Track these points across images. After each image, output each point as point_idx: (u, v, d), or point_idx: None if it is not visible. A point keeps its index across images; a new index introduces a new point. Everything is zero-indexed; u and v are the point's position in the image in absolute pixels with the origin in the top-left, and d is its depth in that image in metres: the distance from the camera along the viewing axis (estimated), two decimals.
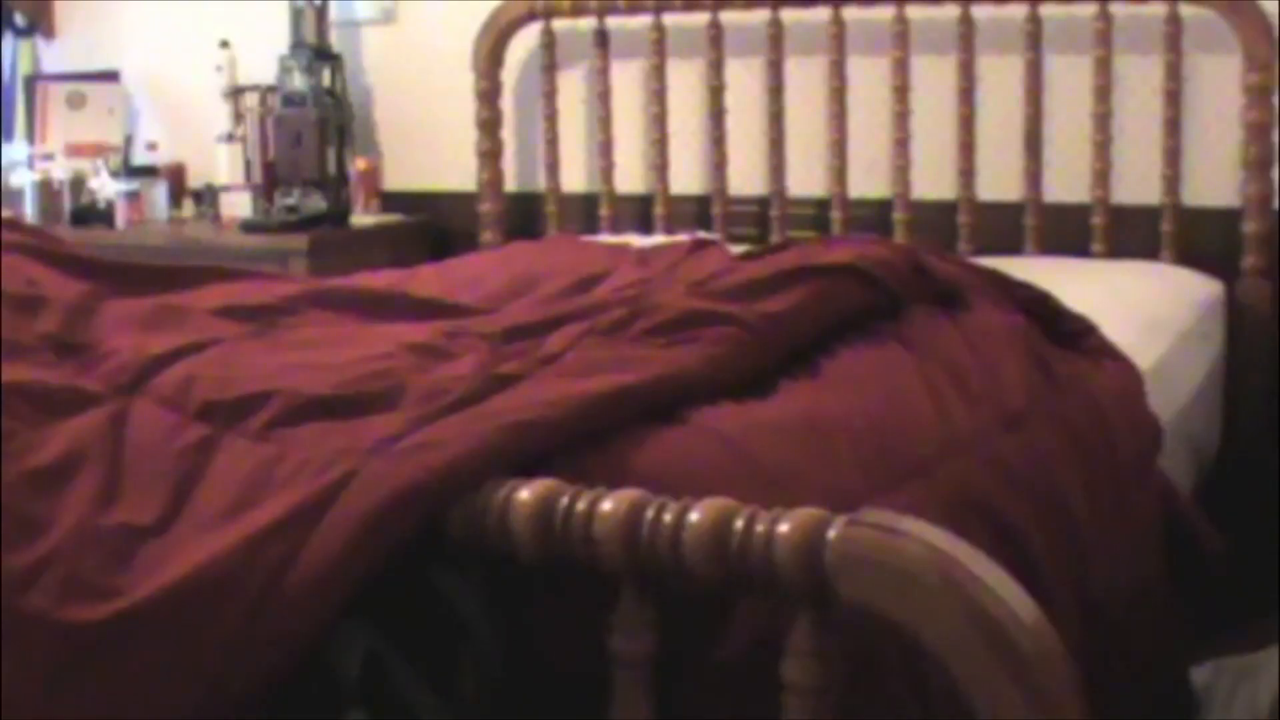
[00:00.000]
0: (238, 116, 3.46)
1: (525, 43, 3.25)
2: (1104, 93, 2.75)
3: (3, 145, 3.68)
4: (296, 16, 3.28)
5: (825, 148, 2.96)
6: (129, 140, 3.66)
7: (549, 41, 3.16)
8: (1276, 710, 1.86)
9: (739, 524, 1.07)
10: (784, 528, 1.05)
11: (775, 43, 2.96)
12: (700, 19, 3.03)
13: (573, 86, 3.24)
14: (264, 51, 3.36)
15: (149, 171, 3.52)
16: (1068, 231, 2.80)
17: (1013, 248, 2.81)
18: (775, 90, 2.99)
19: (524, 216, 3.27)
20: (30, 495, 1.24)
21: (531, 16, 3.16)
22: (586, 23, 3.14)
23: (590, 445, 1.29)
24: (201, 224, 3.42)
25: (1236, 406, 2.65)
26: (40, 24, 3.81)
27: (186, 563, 1.16)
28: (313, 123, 3.21)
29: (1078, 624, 1.46)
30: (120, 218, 3.35)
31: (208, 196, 3.47)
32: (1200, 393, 2.43)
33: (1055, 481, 1.54)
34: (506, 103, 3.26)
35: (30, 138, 3.65)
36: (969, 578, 1.01)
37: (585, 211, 3.22)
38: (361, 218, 3.34)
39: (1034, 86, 2.80)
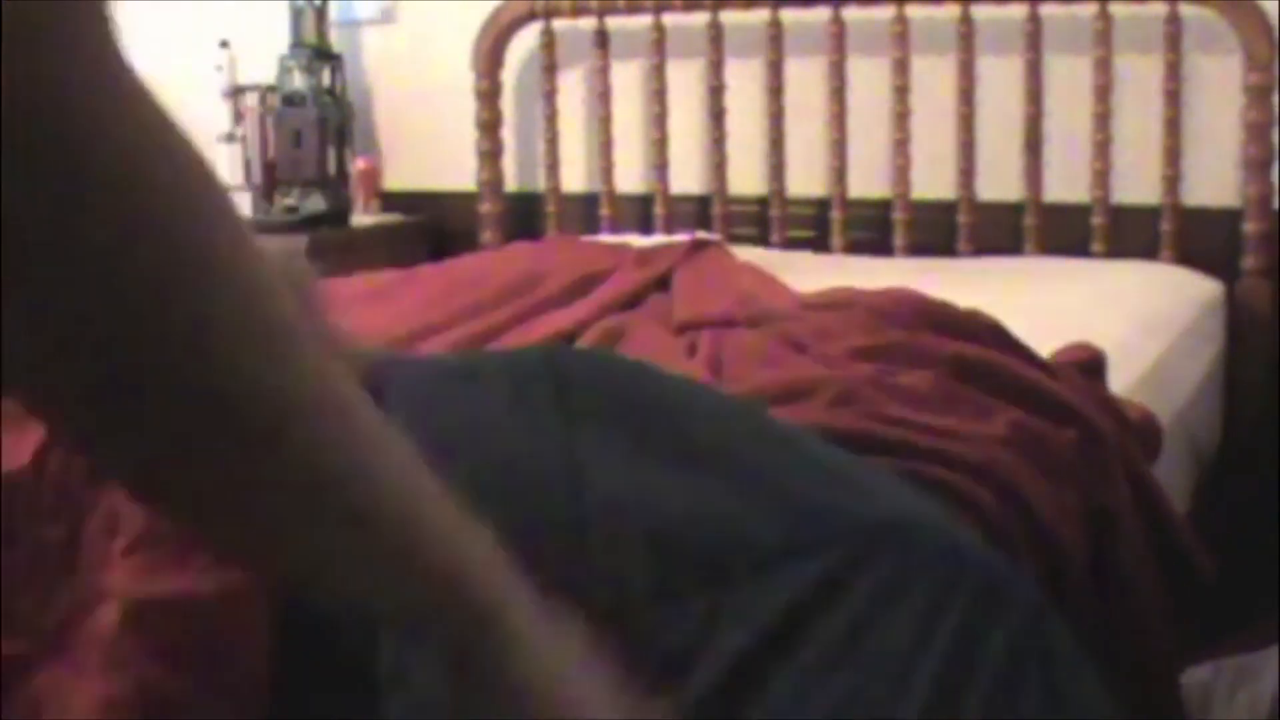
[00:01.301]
0: (238, 116, 3.46)
1: (525, 43, 3.25)
2: (1104, 93, 2.75)
3: None
4: (296, 16, 3.28)
5: (825, 148, 2.96)
6: None
7: (549, 41, 3.16)
8: (1276, 710, 1.86)
9: None
10: None
11: (775, 43, 2.96)
12: (700, 19, 3.03)
13: (573, 86, 3.24)
14: (264, 51, 3.36)
15: None
16: (1068, 231, 2.80)
17: (1013, 248, 2.81)
18: (775, 90, 2.99)
19: (524, 216, 3.27)
20: None
21: (532, 16, 3.16)
22: (586, 23, 3.14)
23: None
24: None
25: (1236, 407, 2.66)
26: None
27: None
28: (313, 123, 3.21)
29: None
30: None
31: None
32: (1200, 392, 2.43)
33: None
34: (506, 103, 3.26)
35: None
36: None
37: (585, 211, 3.22)
38: (361, 218, 3.34)
39: (1034, 86, 2.80)
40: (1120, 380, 1.92)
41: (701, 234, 2.80)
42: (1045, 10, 2.78)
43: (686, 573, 1.00)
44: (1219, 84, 2.73)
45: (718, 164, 3.06)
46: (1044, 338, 1.85)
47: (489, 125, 3.22)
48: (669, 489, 1.04)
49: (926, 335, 1.82)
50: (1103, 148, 2.76)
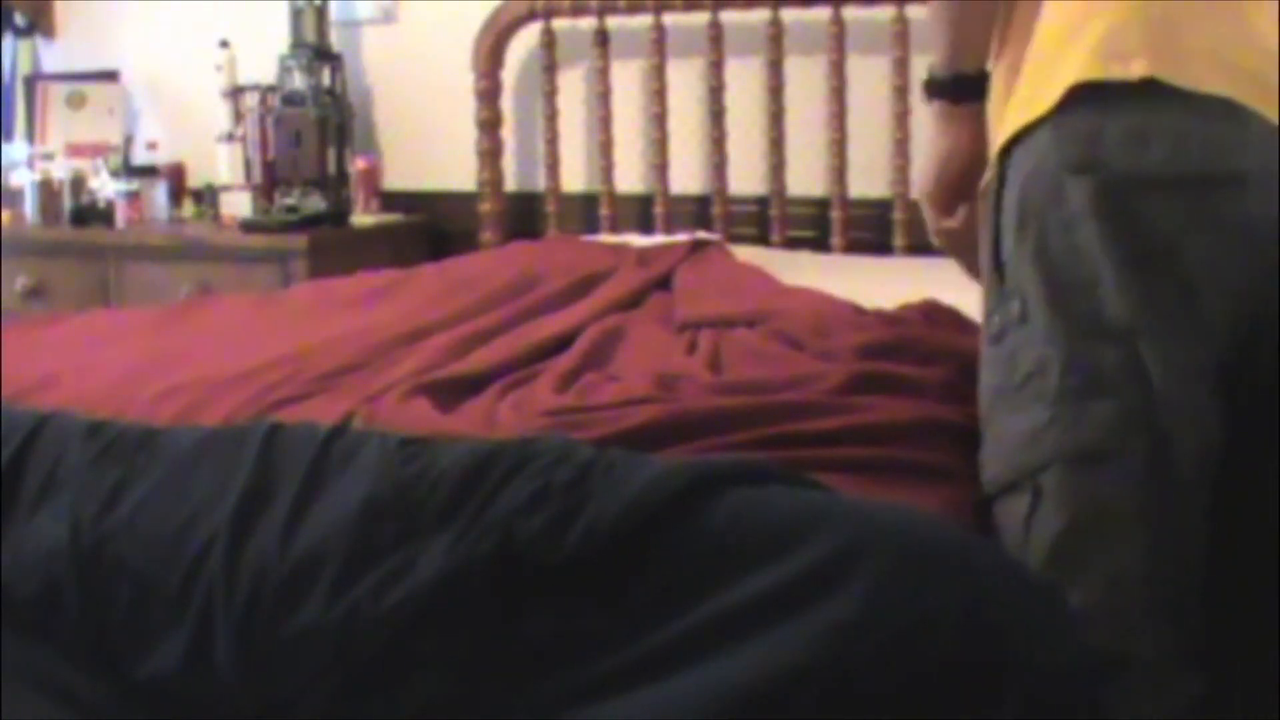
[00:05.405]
0: (238, 116, 3.46)
1: (525, 42, 3.25)
2: None
3: (3, 145, 3.68)
4: (296, 16, 3.28)
5: (825, 148, 2.96)
6: (129, 140, 3.66)
7: (549, 41, 3.16)
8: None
9: None
10: None
11: (775, 43, 2.96)
12: (700, 19, 3.03)
13: (573, 86, 3.24)
14: (264, 51, 3.36)
15: (149, 171, 3.52)
16: None
17: None
18: (775, 90, 2.98)
19: (524, 216, 3.27)
20: None
21: (532, 16, 3.16)
22: (586, 23, 3.14)
23: None
24: (201, 224, 3.42)
25: None
26: (40, 24, 3.81)
27: None
28: (313, 122, 3.21)
29: None
30: (120, 217, 3.35)
31: (208, 196, 3.47)
32: None
33: None
34: (506, 102, 3.26)
35: (30, 138, 3.65)
36: None
37: (585, 211, 3.22)
38: (361, 218, 3.34)
39: None
40: None
41: (701, 234, 2.80)
42: None
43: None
44: None
45: (718, 164, 3.05)
46: None
47: (489, 125, 3.22)
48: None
49: (938, 331, 1.83)
50: None
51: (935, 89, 1.60)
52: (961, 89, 1.56)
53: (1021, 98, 1.40)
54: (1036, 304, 1.32)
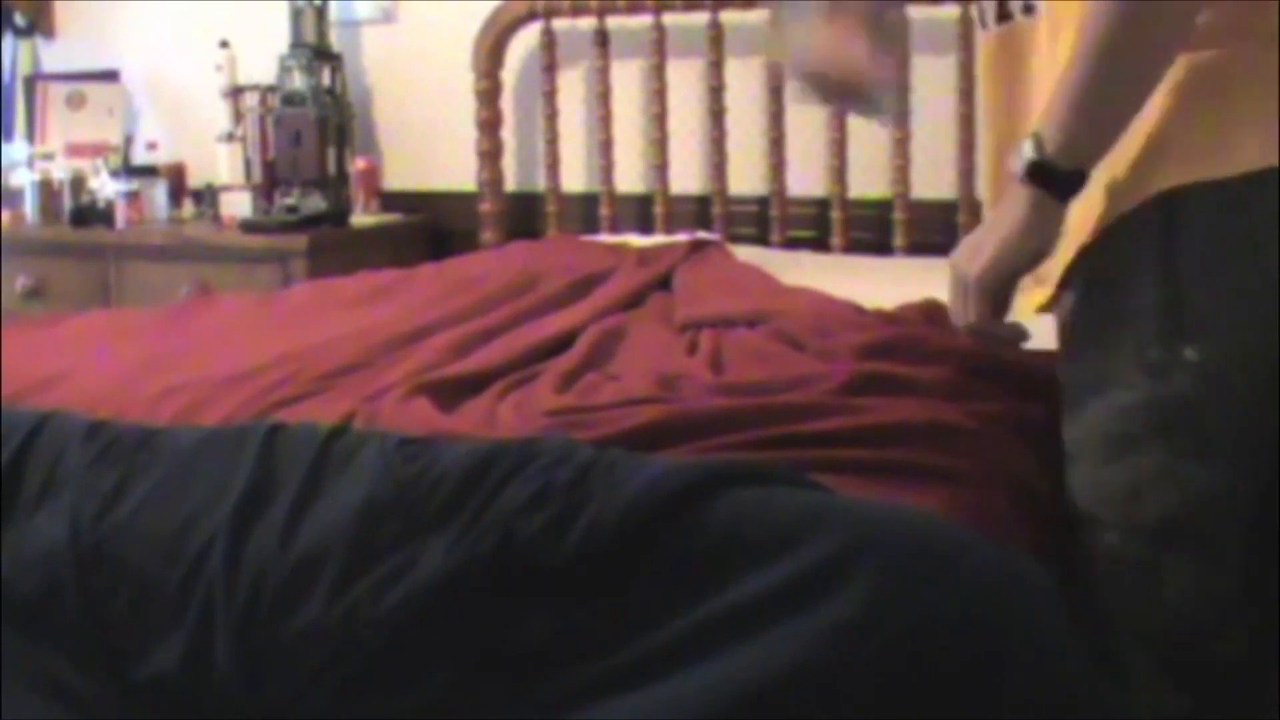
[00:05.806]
0: (238, 116, 3.46)
1: (525, 43, 3.25)
2: None
3: (3, 145, 3.68)
4: (296, 16, 3.28)
5: (825, 148, 2.96)
6: (129, 140, 3.66)
7: (549, 41, 3.16)
8: None
9: None
10: None
11: None
12: (700, 19, 3.03)
13: (573, 86, 3.24)
14: (264, 51, 3.36)
15: (149, 171, 3.52)
16: None
17: None
18: (775, 90, 2.98)
19: (524, 216, 3.27)
20: None
21: (532, 16, 3.16)
22: (586, 23, 3.14)
23: None
24: (201, 224, 3.42)
25: None
26: (40, 24, 3.81)
27: None
28: (313, 122, 3.21)
29: None
30: (120, 217, 3.35)
31: (208, 196, 3.47)
32: None
33: None
34: (506, 103, 3.26)
35: (30, 138, 3.65)
36: None
37: (585, 211, 3.22)
38: (361, 218, 3.34)
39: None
40: None
41: (701, 234, 2.80)
42: None
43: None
44: None
45: (718, 164, 3.05)
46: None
47: (489, 125, 3.21)
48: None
49: (938, 331, 1.83)
50: None
51: (1048, 179, 1.33)
52: (1076, 186, 1.34)
53: (1161, 144, 1.36)
54: (1234, 366, 1.32)
